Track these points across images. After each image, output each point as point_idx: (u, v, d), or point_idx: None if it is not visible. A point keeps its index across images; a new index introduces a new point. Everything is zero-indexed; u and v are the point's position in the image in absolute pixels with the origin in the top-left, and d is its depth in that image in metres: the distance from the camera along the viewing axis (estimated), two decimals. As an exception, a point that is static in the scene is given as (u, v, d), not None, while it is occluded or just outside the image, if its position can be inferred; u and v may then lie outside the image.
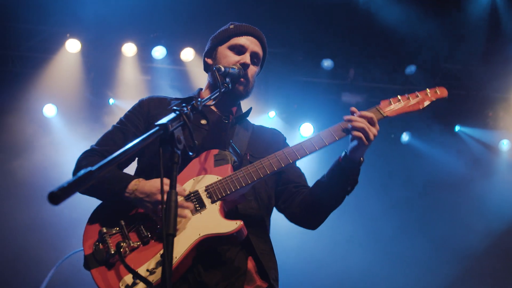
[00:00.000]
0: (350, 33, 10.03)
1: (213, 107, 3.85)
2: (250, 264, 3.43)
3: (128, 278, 3.06)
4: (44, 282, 4.25)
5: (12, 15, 9.33)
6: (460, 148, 10.76)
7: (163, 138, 2.55)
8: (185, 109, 2.72)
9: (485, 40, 9.89)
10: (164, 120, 2.57)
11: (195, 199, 3.27)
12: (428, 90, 3.51)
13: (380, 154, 10.42)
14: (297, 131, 10.56)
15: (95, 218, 3.40)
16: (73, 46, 9.68)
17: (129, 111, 3.89)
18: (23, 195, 9.46)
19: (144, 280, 3.00)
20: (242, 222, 3.15)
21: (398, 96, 3.51)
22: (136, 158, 3.80)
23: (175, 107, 2.72)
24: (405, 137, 11.04)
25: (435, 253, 10.41)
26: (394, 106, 3.48)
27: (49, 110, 10.06)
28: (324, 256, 10.20)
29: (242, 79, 3.68)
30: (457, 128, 10.98)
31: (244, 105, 4.09)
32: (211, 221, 3.19)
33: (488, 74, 10.31)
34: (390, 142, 11.05)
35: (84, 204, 8.91)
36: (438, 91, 3.52)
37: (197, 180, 3.36)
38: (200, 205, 3.26)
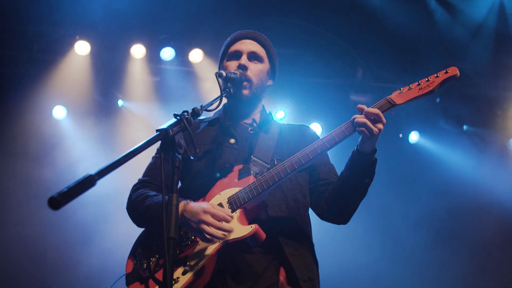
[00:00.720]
0: (359, 32, 10.04)
1: (234, 132, 3.89)
2: (282, 276, 3.48)
3: None
4: None
5: (21, 17, 9.42)
6: (468, 147, 10.74)
7: (164, 143, 2.64)
8: (185, 113, 2.81)
9: (494, 39, 9.87)
10: (164, 126, 2.66)
11: None
12: (438, 73, 3.47)
13: (387, 153, 10.49)
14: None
15: (137, 242, 3.68)
16: (82, 48, 9.74)
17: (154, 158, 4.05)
18: (34, 194, 9.57)
19: None
20: (257, 225, 3.24)
21: (409, 85, 3.50)
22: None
23: (175, 113, 2.80)
24: (413, 136, 11.03)
25: (449, 252, 10.40)
26: (404, 93, 3.48)
27: (59, 112, 10.13)
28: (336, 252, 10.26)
29: (245, 83, 3.74)
30: (465, 127, 10.95)
31: (269, 106, 4.15)
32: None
33: (497, 73, 10.30)
34: (398, 141, 11.07)
35: (104, 203, 9.10)
36: (448, 71, 3.45)
37: (222, 194, 3.51)
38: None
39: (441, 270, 10.30)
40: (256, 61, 3.89)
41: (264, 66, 3.95)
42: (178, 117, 2.75)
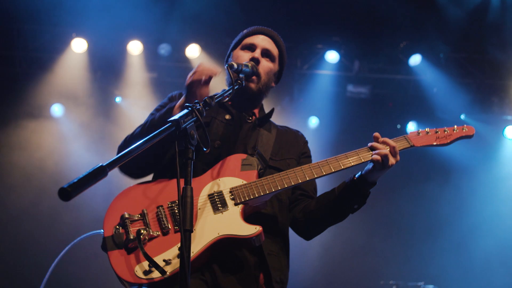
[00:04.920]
0: (355, 24, 10.05)
1: (232, 109, 3.82)
2: (262, 276, 3.46)
3: (144, 265, 3.11)
4: (56, 259, 4.30)
5: (17, 16, 9.39)
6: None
7: (176, 134, 2.61)
8: (197, 105, 2.78)
9: (489, 28, 9.91)
10: (176, 116, 2.63)
11: (218, 199, 3.33)
12: (456, 127, 3.62)
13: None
14: (306, 124, 10.71)
15: (119, 202, 3.43)
16: (79, 45, 9.75)
17: (159, 105, 3.84)
18: (32, 191, 9.67)
19: (160, 269, 3.05)
20: (261, 228, 3.19)
21: (427, 129, 3.64)
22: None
23: (186, 104, 2.78)
24: (411, 127, 11.06)
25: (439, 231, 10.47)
26: (421, 137, 3.61)
27: (57, 110, 10.15)
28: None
29: (254, 77, 3.69)
30: (462, 116, 10.97)
31: (267, 106, 4.08)
32: (231, 222, 3.24)
33: (493, 62, 10.33)
34: (397, 132, 11.07)
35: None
36: (465, 129, 3.61)
37: (223, 181, 3.42)
38: (222, 205, 3.30)
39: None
40: (268, 59, 3.84)
41: (274, 66, 3.89)
42: (190, 108, 2.73)
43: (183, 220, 2.53)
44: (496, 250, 10.02)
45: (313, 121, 10.90)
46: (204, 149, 2.78)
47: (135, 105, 10.37)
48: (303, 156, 3.91)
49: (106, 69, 10.18)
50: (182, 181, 3.27)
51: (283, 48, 3.99)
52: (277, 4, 9.64)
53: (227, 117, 3.74)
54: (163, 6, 9.47)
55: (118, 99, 10.43)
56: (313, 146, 4.01)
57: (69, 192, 1.98)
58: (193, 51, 10.07)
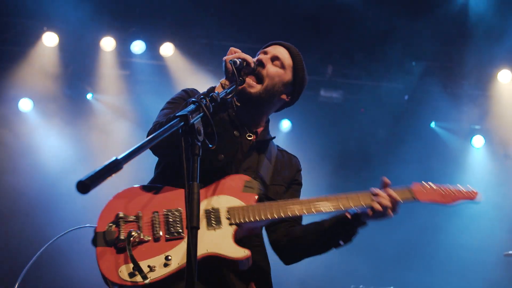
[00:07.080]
0: (328, 29, 10.08)
1: (238, 123, 3.69)
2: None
3: (128, 267, 3.09)
4: (39, 251, 4.18)
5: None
6: (435, 143, 10.90)
7: (184, 129, 2.55)
8: (204, 100, 2.72)
9: (460, 38, 10.08)
10: (183, 111, 2.57)
11: (213, 215, 3.29)
12: (464, 190, 3.61)
13: (358, 150, 10.57)
14: (278, 127, 10.76)
15: (117, 200, 3.40)
16: (50, 39, 9.53)
17: (175, 95, 3.72)
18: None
19: (142, 274, 3.03)
20: (250, 252, 3.19)
21: (432, 184, 3.60)
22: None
23: (193, 99, 2.72)
24: (382, 133, 11.15)
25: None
26: (427, 192, 3.55)
27: (25, 105, 9.94)
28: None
29: (252, 76, 3.58)
30: (432, 124, 11.12)
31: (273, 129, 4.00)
32: (221, 241, 3.21)
33: (464, 71, 10.50)
34: (367, 137, 11.15)
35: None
36: (472, 194, 3.61)
37: (222, 198, 3.40)
38: (216, 222, 3.27)
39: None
40: (277, 65, 3.70)
41: (284, 74, 3.70)
42: (197, 103, 2.66)
43: (190, 217, 2.46)
44: (467, 259, 10.18)
45: (285, 124, 10.93)
46: (210, 146, 2.73)
47: (107, 102, 10.22)
48: (294, 183, 3.86)
49: (78, 65, 9.97)
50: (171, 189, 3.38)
51: (299, 63, 3.79)
52: (252, 6, 9.61)
53: (236, 133, 3.64)
54: (137, 3, 9.37)
55: (89, 96, 10.24)
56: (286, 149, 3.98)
57: (88, 185, 1.96)
58: (167, 49, 9.96)
